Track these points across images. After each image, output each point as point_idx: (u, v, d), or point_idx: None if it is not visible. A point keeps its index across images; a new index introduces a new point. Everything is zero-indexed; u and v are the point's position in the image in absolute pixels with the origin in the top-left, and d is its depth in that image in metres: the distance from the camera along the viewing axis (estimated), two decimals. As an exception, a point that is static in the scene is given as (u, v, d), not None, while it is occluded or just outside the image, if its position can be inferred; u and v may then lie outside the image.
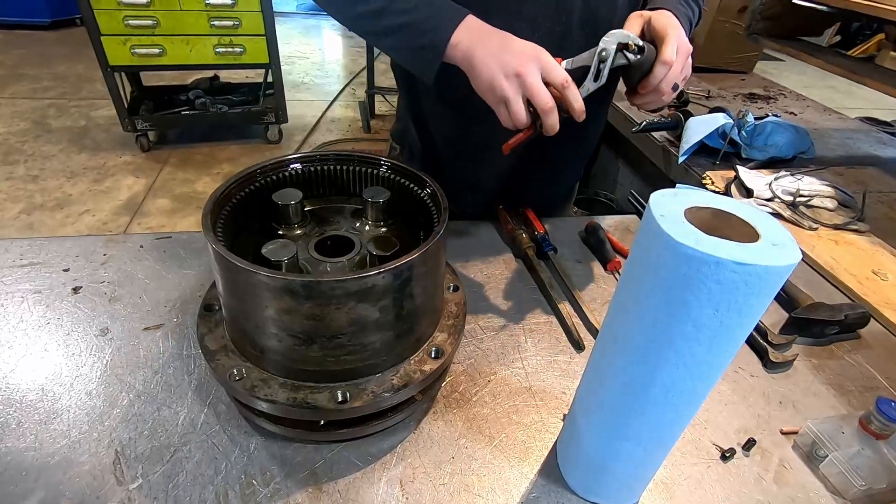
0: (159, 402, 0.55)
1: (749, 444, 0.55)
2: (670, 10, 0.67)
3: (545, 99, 0.57)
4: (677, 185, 0.43)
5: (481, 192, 0.91)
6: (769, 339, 0.68)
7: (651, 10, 0.66)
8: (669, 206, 0.35)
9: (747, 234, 0.34)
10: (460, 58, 0.62)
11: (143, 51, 2.66)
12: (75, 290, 0.68)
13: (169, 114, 2.98)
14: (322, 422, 0.50)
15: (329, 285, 0.42)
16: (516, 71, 0.58)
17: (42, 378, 0.56)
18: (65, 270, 0.71)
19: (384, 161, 0.57)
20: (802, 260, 0.88)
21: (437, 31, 0.62)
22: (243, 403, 0.51)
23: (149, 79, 3.19)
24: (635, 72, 0.62)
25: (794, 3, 1.16)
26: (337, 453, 0.52)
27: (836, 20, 1.21)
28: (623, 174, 2.00)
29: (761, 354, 0.67)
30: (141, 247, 0.76)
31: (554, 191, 1.00)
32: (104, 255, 0.74)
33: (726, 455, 0.55)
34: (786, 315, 0.73)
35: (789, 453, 0.56)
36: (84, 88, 3.76)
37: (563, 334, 0.69)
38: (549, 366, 0.64)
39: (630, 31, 0.62)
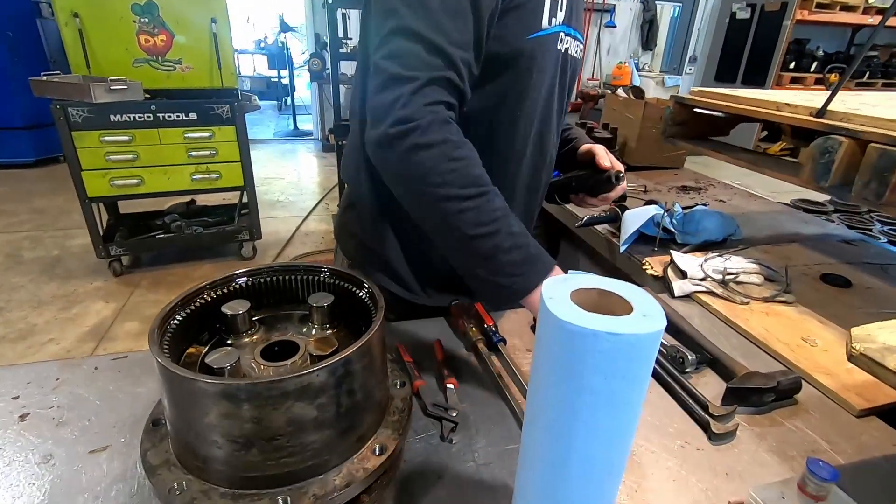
0: (97, 530, 0.53)
1: (698, 520, 0.56)
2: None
3: None
4: (569, 271, 0.48)
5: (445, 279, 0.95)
6: (710, 411, 0.71)
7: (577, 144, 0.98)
8: (558, 289, 0.41)
9: (625, 308, 0.40)
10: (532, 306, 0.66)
11: (122, 182, 2.81)
12: (22, 417, 0.67)
13: (144, 238, 3.06)
14: (265, 534, 0.49)
15: (265, 386, 0.44)
16: None
17: (-26, 514, 0.54)
18: (14, 398, 0.71)
19: (324, 268, 0.63)
20: (738, 332, 0.94)
21: (524, 279, 0.65)
22: (184, 520, 0.50)
23: (126, 206, 3.31)
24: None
25: (697, 112, 1.35)
26: (281, 568, 0.50)
27: (736, 122, 1.40)
28: (582, 264, 2.10)
29: (704, 427, 0.69)
30: (96, 368, 0.77)
31: None
32: (57, 379, 0.74)
33: (677, 533, 0.55)
34: (725, 386, 0.76)
35: (740, 526, 0.56)
36: (61, 220, 3.86)
37: (515, 424, 0.70)
38: (500, 456, 0.64)
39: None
